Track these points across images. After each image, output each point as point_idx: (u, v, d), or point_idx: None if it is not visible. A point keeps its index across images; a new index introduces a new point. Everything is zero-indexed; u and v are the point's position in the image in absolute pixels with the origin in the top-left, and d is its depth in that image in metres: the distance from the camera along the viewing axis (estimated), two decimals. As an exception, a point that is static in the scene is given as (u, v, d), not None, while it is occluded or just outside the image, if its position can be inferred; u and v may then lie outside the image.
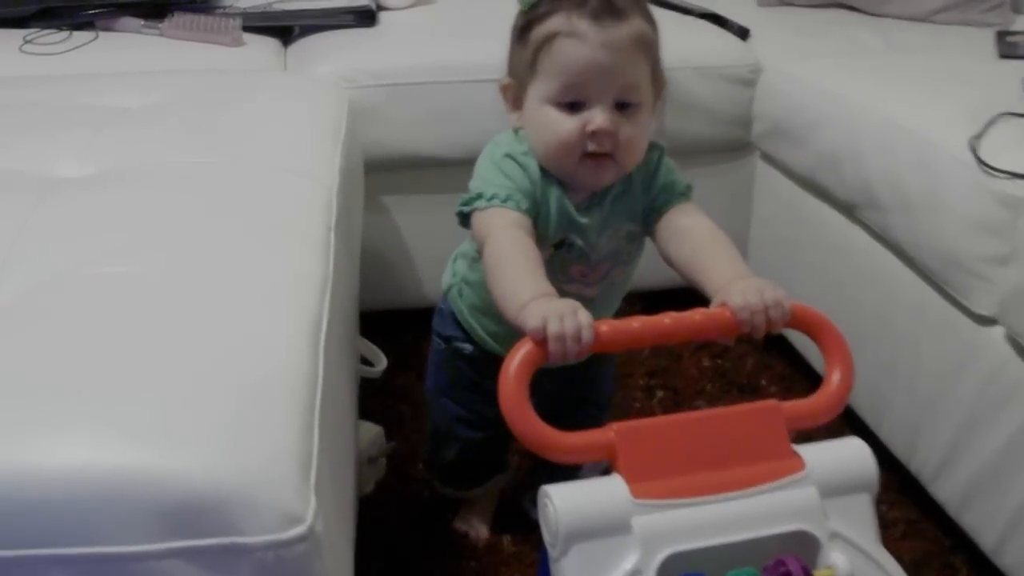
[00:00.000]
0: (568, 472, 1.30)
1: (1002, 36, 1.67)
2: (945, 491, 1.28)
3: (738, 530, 0.76)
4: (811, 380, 1.60)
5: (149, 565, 0.62)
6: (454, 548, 1.30)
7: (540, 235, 0.98)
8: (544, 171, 1.00)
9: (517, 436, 0.78)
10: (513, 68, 1.02)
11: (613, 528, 0.74)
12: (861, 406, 1.43)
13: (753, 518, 0.77)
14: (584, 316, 0.80)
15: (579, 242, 1.02)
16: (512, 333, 0.86)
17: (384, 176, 1.61)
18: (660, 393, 1.59)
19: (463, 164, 1.64)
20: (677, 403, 1.57)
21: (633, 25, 0.95)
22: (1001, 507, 1.18)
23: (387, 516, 1.33)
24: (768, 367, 1.67)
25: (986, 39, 1.68)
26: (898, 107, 1.38)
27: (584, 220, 1.01)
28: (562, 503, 0.74)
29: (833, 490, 0.79)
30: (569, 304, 0.81)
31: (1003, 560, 1.19)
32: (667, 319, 0.83)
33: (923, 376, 1.31)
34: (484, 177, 1.01)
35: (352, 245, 1.20)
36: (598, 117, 0.95)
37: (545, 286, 0.86)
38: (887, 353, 1.36)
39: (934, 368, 1.29)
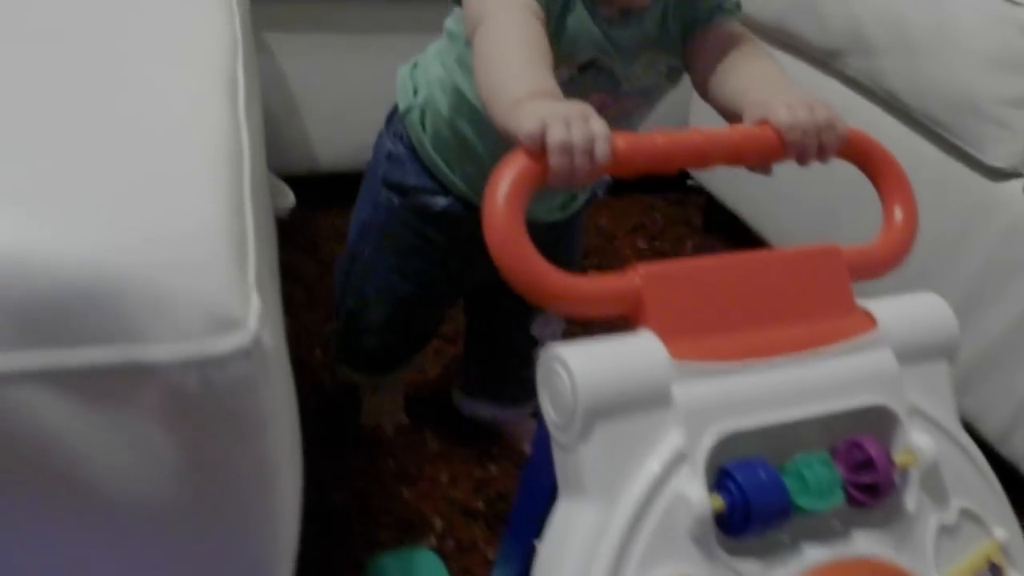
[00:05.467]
0: (501, 361, 1.15)
1: None
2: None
3: (803, 403, 0.62)
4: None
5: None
6: (369, 445, 1.15)
7: (565, 53, 0.80)
8: None
9: (512, 280, 0.61)
10: None
11: (648, 399, 0.58)
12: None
13: (820, 388, 0.63)
14: (597, 124, 0.63)
15: (610, 66, 0.84)
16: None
17: (268, 7, 1.39)
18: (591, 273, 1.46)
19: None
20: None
21: None
22: (1008, 393, 1.09)
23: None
24: (710, 249, 1.58)
25: None
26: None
27: (616, 35, 0.83)
28: (580, 368, 0.57)
29: (910, 355, 0.66)
30: (577, 107, 0.64)
31: (1008, 449, 1.11)
32: (698, 136, 0.68)
33: (920, 246, 1.20)
34: None
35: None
36: None
37: (548, 83, 0.68)
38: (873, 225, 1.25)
39: (934, 235, 1.18)
